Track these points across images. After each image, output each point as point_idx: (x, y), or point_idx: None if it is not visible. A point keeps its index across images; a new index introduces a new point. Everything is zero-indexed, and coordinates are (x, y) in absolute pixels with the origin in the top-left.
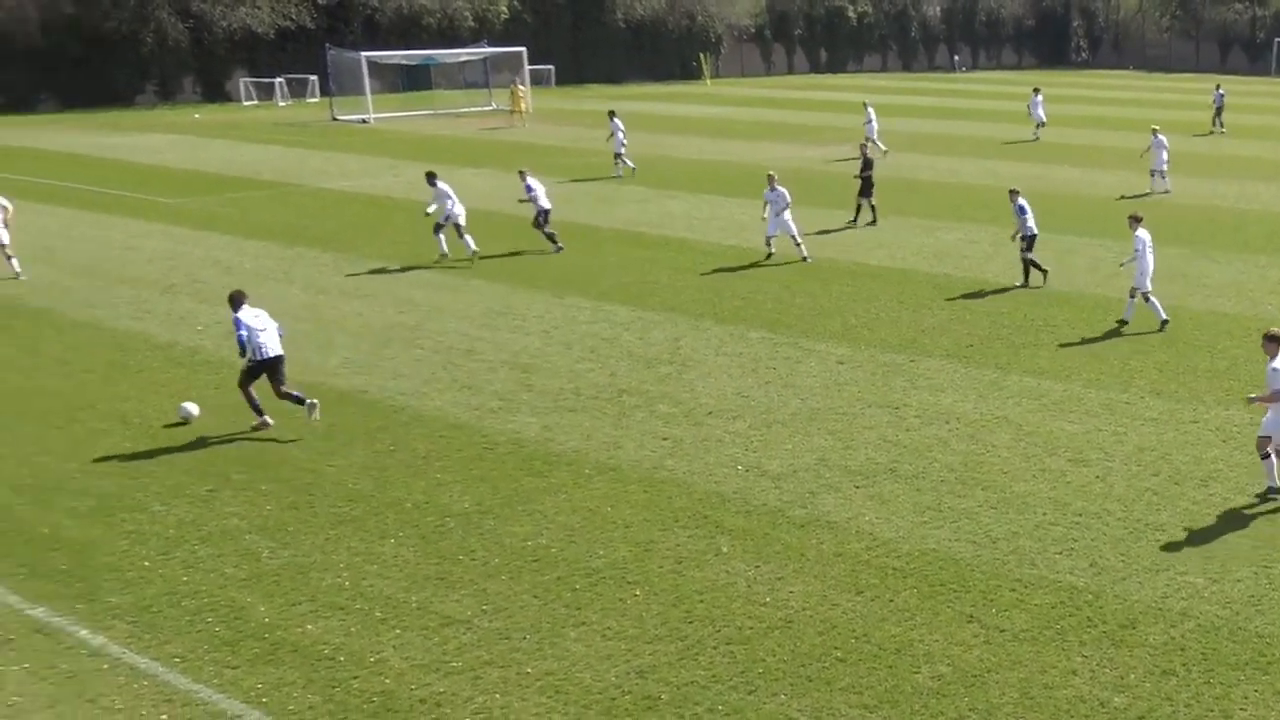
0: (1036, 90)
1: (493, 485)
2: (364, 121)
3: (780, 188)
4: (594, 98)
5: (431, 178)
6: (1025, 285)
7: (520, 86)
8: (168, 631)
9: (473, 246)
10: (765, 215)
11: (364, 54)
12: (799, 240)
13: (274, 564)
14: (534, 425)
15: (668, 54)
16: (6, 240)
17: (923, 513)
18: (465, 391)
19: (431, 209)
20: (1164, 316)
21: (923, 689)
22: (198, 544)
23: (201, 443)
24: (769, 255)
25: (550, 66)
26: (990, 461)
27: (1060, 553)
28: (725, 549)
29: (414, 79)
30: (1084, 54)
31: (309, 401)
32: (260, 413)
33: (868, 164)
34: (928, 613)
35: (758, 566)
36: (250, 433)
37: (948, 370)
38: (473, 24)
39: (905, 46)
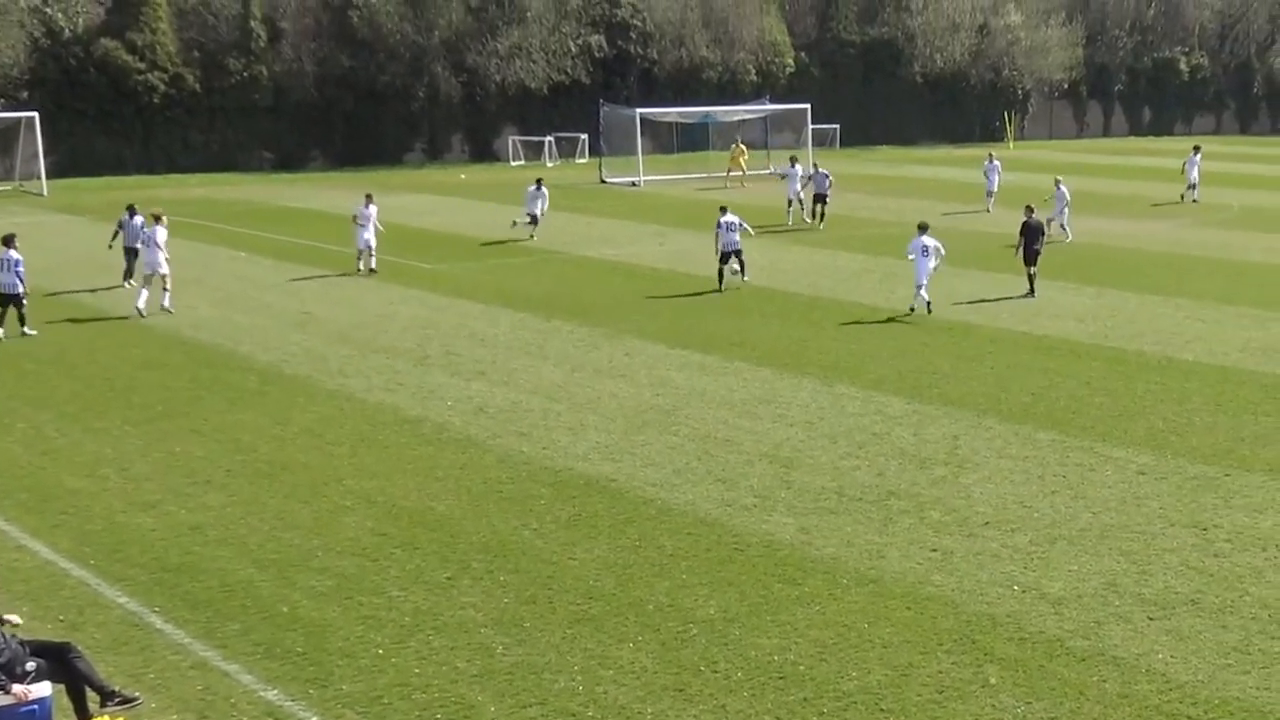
0: (1197, 149)
1: (741, 591)
2: (634, 184)
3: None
4: (882, 161)
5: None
6: None
7: (741, 147)
8: None
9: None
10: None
11: (638, 110)
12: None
13: (507, 661)
14: (790, 526)
15: (967, 112)
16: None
17: (1227, 654)
18: (719, 485)
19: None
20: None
21: None
22: (432, 633)
23: (444, 527)
24: None
25: (835, 126)
26: None
27: None
28: (994, 680)
29: (689, 138)
30: None
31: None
32: None
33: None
34: None
35: (1029, 704)
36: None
37: (1270, 488)
38: (755, 78)
39: (1245, 105)
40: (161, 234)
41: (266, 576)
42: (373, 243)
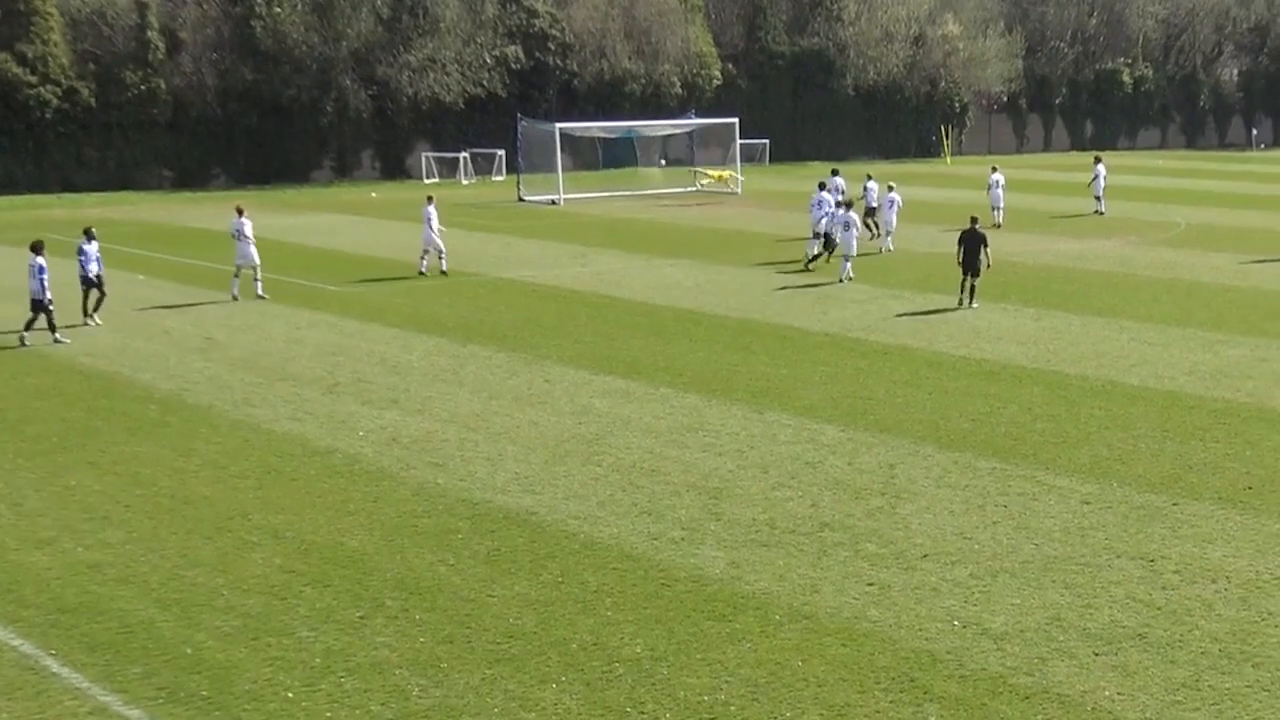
0: (1098, 159)
1: (669, 628)
2: (553, 202)
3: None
4: (815, 176)
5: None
6: None
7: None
8: None
9: None
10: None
11: (558, 125)
12: None
13: (423, 704)
14: (720, 560)
15: (902, 127)
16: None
17: (1176, 690)
18: (645, 518)
19: None
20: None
21: None
22: (344, 675)
23: (357, 563)
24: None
25: (765, 141)
26: (1266, 633)
27: None
28: (933, 719)
29: (612, 154)
30: None
31: None
32: None
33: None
34: None
35: None
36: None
37: (1219, 518)
38: (680, 91)
39: (1191, 118)
40: (249, 226)
41: (169, 617)
42: (440, 243)
